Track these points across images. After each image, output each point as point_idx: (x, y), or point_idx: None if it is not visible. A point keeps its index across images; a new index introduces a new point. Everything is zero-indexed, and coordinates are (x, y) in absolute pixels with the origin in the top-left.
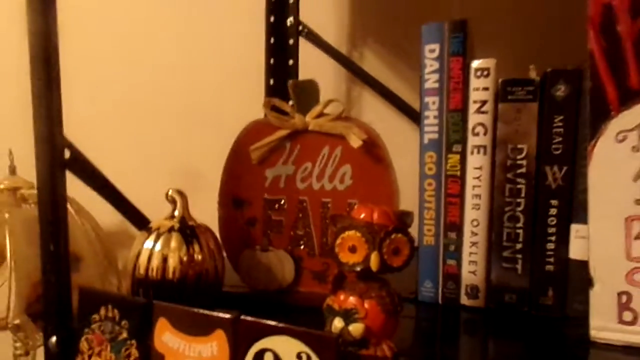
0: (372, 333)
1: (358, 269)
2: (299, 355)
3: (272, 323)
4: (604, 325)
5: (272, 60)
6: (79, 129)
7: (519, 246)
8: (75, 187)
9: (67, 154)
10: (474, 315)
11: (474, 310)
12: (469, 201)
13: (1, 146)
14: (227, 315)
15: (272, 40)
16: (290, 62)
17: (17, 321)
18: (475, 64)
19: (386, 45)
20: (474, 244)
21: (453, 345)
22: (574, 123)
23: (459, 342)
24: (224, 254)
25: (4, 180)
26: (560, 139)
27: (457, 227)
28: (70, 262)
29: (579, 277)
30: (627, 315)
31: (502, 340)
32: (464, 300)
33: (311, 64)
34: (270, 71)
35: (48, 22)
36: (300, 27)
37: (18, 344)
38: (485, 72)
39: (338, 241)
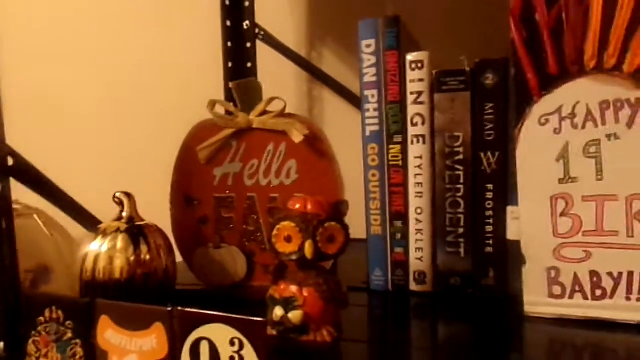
0: (312, 319)
1: (294, 257)
2: (231, 341)
3: (206, 312)
4: (536, 300)
5: (230, 64)
6: (35, 136)
7: (461, 230)
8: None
9: (10, 161)
10: (422, 300)
11: (423, 295)
12: (412, 190)
13: None
14: (164, 308)
15: (229, 44)
16: (249, 64)
17: None
18: (410, 57)
19: (344, 45)
20: (419, 231)
21: (402, 329)
22: (503, 110)
23: (408, 327)
24: (176, 253)
25: None
26: (491, 125)
27: (402, 215)
28: (41, 275)
29: (517, 257)
30: (557, 289)
31: (446, 322)
32: (413, 286)
33: (271, 65)
34: (229, 74)
35: None
36: (257, 30)
37: None
38: (420, 65)
39: (274, 232)
